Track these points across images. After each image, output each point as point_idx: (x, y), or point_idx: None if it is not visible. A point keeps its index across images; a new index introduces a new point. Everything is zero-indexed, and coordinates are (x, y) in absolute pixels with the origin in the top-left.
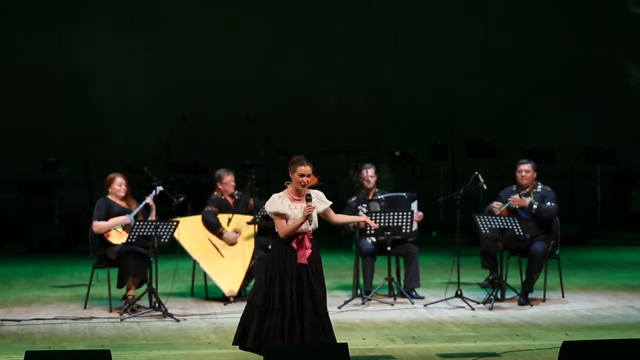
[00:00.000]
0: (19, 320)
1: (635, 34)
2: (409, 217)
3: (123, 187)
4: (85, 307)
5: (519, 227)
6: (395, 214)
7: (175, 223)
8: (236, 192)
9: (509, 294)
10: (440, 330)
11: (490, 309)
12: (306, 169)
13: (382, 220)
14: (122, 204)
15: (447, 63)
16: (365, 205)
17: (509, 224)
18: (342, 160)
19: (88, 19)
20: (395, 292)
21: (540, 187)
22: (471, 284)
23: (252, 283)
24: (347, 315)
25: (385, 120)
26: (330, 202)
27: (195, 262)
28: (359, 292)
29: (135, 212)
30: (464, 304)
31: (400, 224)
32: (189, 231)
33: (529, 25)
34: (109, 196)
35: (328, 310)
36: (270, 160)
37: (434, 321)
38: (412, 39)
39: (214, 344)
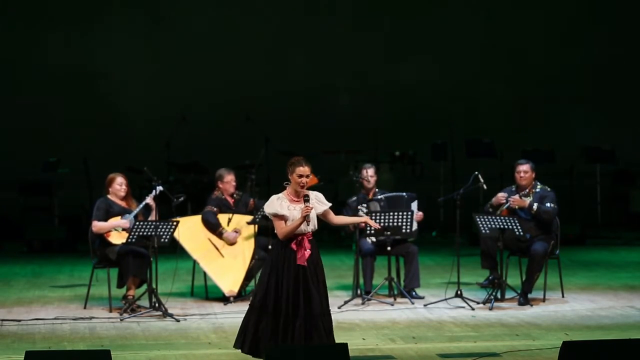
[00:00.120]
0: (19, 320)
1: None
2: (409, 217)
3: (123, 187)
4: (85, 307)
5: (519, 227)
6: (395, 214)
7: (175, 223)
8: (236, 192)
9: (509, 294)
10: (440, 330)
11: (490, 309)
12: (305, 169)
13: (382, 220)
14: (122, 203)
15: (447, 63)
16: (365, 205)
17: (509, 224)
18: (342, 160)
19: (87, 19)
20: (395, 292)
21: (539, 187)
22: (471, 284)
23: (252, 283)
24: (347, 315)
25: (385, 120)
26: (330, 204)
27: (195, 262)
28: (359, 292)
29: (135, 212)
30: (464, 304)
31: (400, 224)
32: (189, 231)
33: (529, 24)
34: (109, 196)
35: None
36: (270, 160)
37: (434, 321)
38: (413, 39)
39: (214, 344)
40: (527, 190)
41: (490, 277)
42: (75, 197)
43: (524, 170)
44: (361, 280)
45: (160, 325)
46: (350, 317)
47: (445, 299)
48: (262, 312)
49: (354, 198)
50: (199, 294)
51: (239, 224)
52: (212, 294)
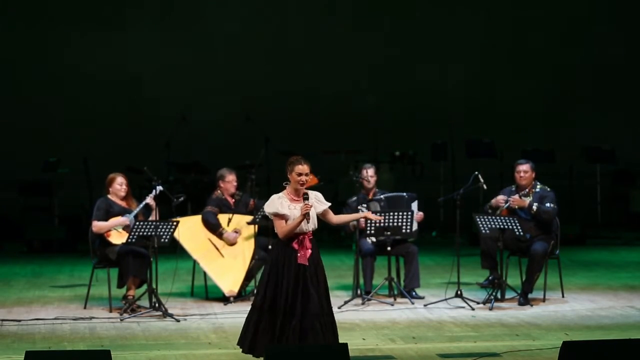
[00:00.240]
0: (19, 320)
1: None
2: (409, 217)
3: (124, 186)
4: (85, 307)
5: (519, 227)
6: (395, 214)
7: (175, 223)
8: (237, 192)
9: (509, 294)
10: (440, 330)
11: (490, 309)
12: (303, 167)
13: (382, 221)
14: (123, 203)
15: (447, 63)
16: (365, 205)
17: (509, 224)
18: (342, 160)
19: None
20: (395, 292)
21: (539, 187)
22: (471, 284)
23: (252, 283)
24: (347, 315)
25: (385, 120)
26: (329, 203)
27: (195, 262)
28: (359, 292)
29: (135, 212)
30: (464, 304)
31: (400, 224)
32: (189, 231)
33: (529, 24)
34: (110, 196)
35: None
36: (270, 160)
37: (434, 321)
38: (412, 39)
39: (214, 344)
40: (527, 190)
41: (490, 277)
42: (75, 197)
43: (524, 170)
44: (361, 280)
45: (160, 325)
46: (350, 317)
47: (445, 299)
48: (263, 312)
49: (354, 198)
50: (199, 294)
51: (239, 224)
52: (212, 294)
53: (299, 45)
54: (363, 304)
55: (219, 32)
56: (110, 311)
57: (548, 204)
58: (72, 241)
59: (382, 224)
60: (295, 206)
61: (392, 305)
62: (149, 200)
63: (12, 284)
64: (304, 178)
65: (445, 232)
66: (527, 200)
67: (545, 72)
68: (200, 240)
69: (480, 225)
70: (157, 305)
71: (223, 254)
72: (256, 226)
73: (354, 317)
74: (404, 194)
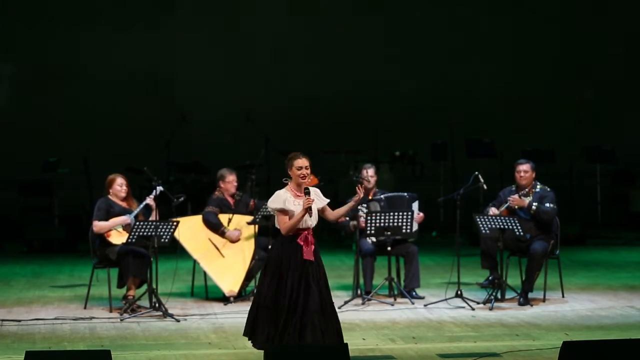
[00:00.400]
0: (19, 320)
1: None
2: (409, 217)
3: (124, 187)
4: (85, 307)
5: (519, 227)
6: (396, 214)
7: (175, 223)
8: (237, 192)
9: (509, 294)
10: (440, 330)
11: (490, 309)
12: (302, 161)
13: (382, 220)
14: (123, 204)
15: (447, 63)
16: (365, 205)
17: (509, 224)
18: (342, 160)
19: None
20: (395, 292)
21: (539, 187)
22: (471, 284)
23: (252, 283)
24: (347, 315)
25: (385, 120)
26: (328, 200)
27: (195, 262)
28: (359, 292)
29: (135, 212)
30: (464, 304)
31: (400, 224)
32: (189, 231)
33: (529, 24)
34: (110, 197)
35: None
36: (270, 160)
37: (434, 321)
38: (412, 38)
39: (214, 344)
40: (527, 190)
41: (490, 277)
42: (75, 197)
43: (524, 170)
44: (361, 280)
45: (160, 325)
46: (351, 317)
47: (445, 299)
48: (266, 308)
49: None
50: (199, 294)
51: (239, 224)
52: (212, 294)
53: (299, 45)
54: (363, 304)
55: (219, 32)
56: (110, 311)
57: (548, 204)
58: (72, 241)
59: (382, 224)
60: (299, 202)
61: (392, 305)
62: (149, 200)
63: (12, 284)
64: (304, 171)
65: (445, 232)
66: (527, 200)
67: (545, 72)
68: (201, 240)
69: (480, 225)
70: (157, 305)
71: (223, 254)
72: (256, 226)
73: (354, 317)
74: (405, 194)
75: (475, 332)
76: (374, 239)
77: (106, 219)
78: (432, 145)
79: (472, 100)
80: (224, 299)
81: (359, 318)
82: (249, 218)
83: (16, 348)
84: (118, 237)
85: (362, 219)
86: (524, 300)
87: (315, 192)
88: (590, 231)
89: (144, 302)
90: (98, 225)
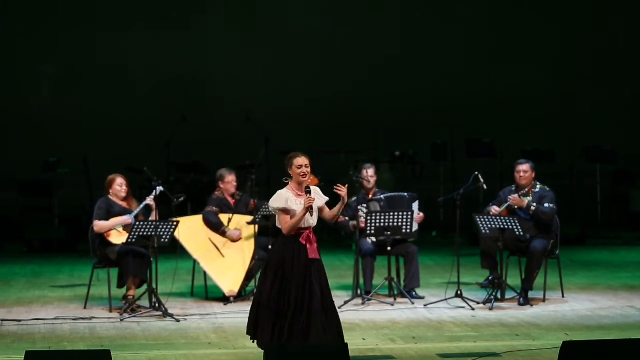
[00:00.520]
0: (19, 320)
1: None
2: (409, 217)
3: (124, 187)
4: (85, 307)
5: (519, 227)
6: (396, 214)
7: (175, 223)
8: (237, 192)
9: (509, 294)
10: (440, 330)
11: (490, 309)
12: (302, 159)
13: (382, 220)
14: (123, 204)
15: (447, 63)
16: (365, 205)
17: (509, 224)
18: (342, 160)
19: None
20: (395, 292)
21: (539, 187)
22: (471, 284)
23: (252, 283)
24: (347, 315)
25: (385, 120)
26: (327, 198)
27: (195, 262)
28: (359, 292)
29: (135, 212)
30: (464, 304)
31: (400, 224)
32: (189, 231)
33: (529, 24)
34: (110, 197)
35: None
36: (270, 160)
37: (434, 321)
38: (412, 38)
39: (214, 344)
40: (527, 190)
41: (490, 277)
42: (75, 197)
43: (524, 170)
44: (361, 280)
45: (160, 325)
46: (351, 317)
47: (445, 299)
48: (269, 308)
49: (354, 198)
50: (199, 294)
51: (239, 224)
52: (212, 294)
53: (299, 45)
54: (363, 304)
55: (219, 32)
56: (110, 311)
57: (547, 205)
58: (72, 241)
59: (382, 224)
60: (300, 201)
61: (392, 305)
62: (149, 201)
63: (12, 284)
64: (304, 170)
65: (445, 232)
66: (526, 200)
67: (545, 72)
68: (201, 240)
69: (480, 225)
70: (157, 305)
71: (223, 254)
72: (256, 226)
73: (354, 317)
74: (405, 194)
75: (475, 332)
76: (374, 239)
77: (106, 219)
78: (432, 145)
79: (472, 100)
80: (224, 299)
81: (359, 318)
82: (249, 218)
83: (16, 348)
84: (118, 237)
85: (362, 219)
86: (524, 300)
87: (315, 191)
88: (590, 231)
89: (144, 302)
90: (99, 225)
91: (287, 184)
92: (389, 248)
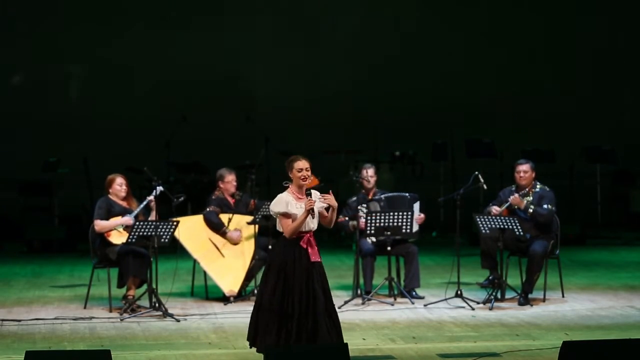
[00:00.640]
0: (19, 320)
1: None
2: (409, 217)
3: (124, 187)
4: (85, 307)
5: (519, 227)
6: (395, 214)
7: (175, 223)
8: (237, 192)
9: (509, 294)
10: (440, 330)
11: (490, 309)
12: (303, 163)
13: (382, 221)
14: (123, 203)
15: (447, 63)
16: (365, 205)
17: (509, 224)
18: (342, 160)
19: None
20: (395, 292)
21: (539, 186)
22: (471, 284)
23: (252, 283)
24: (347, 315)
25: (385, 120)
26: (336, 204)
27: (195, 262)
28: (359, 292)
29: (136, 212)
30: (464, 304)
31: (400, 224)
32: (189, 231)
33: (529, 24)
34: (110, 196)
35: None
36: (270, 160)
37: (434, 321)
38: (412, 39)
39: (214, 344)
40: (527, 190)
41: (490, 277)
42: (75, 197)
43: (524, 170)
44: (361, 280)
45: (160, 325)
46: (351, 317)
47: (445, 299)
48: (272, 312)
49: (354, 198)
50: (199, 294)
51: (239, 224)
52: (212, 294)
53: (299, 45)
54: (363, 304)
55: (219, 32)
56: (110, 311)
57: (545, 206)
58: (72, 241)
59: (382, 224)
60: (301, 205)
61: (392, 305)
62: (151, 198)
63: (12, 284)
64: (304, 173)
65: (445, 232)
66: (525, 201)
67: (545, 72)
68: (201, 240)
69: (480, 225)
70: (157, 305)
71: (223, 253)
72: (256, 226)
73: (354, 317)
74: (406, 194)
75: (475, 332)
76: (374, 239)
77: (107, 219)
78: (432, 145)
79: (472, 100)
80: (224, 299)
81: (359, 318)
82: (249, 218)
83: (16, 348)
84: (118, 237)
85: (362, 220)
86: (524, 300)
87: (316, 194)
88: (590, 231)
89: (144, 302)
90: (99, 225)
91: (287, 187)
92: (389, 248)
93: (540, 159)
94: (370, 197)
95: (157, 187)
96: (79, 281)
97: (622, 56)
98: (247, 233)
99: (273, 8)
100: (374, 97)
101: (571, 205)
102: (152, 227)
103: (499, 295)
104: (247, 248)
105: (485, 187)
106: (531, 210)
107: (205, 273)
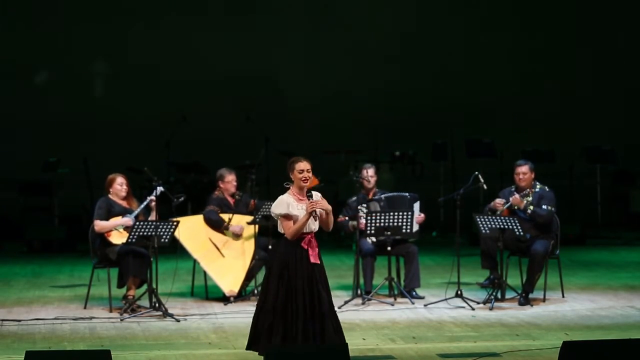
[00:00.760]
0: (19, 320)
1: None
2: (409, 217)
3: (124, 187)
4: (85, 307)
5: (519, 227)
6: (395, 214)
7: (175, 223)
8: (237, 192)
9: (509, 294)
10: (440, 330)
11: (490, 309)
12: (304, 164)
13: (382, 221)
14: (124, 203)
15: (447, 63)
16: (365, 205)
17: (509, 224)
18: (342, 160)
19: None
20: (396, 292)
21: (538, 187)
22: (471, 284)
23: (252, 283)
24: (347, 315)
25: (385, 120)
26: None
27: (195, 262)
28: (359, 292)
29: (136, 212)
30: (464, 304)
31: (400, 224)
32: (190, 231)
33: (529, 24)
34: (110, 196)
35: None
36: (270, 160)
37: (434, 321)
38: (412, 39)
39: (214, 344)
40: (528, 190)
41: (490, 277)
42: (75, 197)
43: (523, 171)
44: (361, 280)
45: (160, 325)
46: (351, 317)
47: (446, 299)
48: (276, 314)
49: (354, 198)
50: (199, 294)
51: (239, 224)
52: (212, 294)
53: (299, 45)
54: (363, 304)
55: (219, 31)
56: (110, 311)
57: (544, 206)
58: (72, 241)
59: (382, 224)
60: (302, 206)
61: (392, 305)
62: (152, 197)
63: (12, 284)
64: (306, 174)
65: (445, 232)
66: (525, 201)
67: (544, 72)
68: (201, 240)
69: (480, 225)
70: (157, 305)
71: (223, 253)
72: (256, 226)
73: (354, 317)
74: (407, 194)
75: (475, 332)
76: (374, 239)
77: (107, 219)
78: (432, 145)
79: (472, 100)
80: (224, 299)
81: (359, 318)
82: (249, 218)
83: (16, 348)
84: (118, 237)
85: (362, 220)
86: (524, 300)
87: (316, 195)
88: (590, 231)
89: (144, 302)
90: (99, 225)
91: (288, 188)
92: (389, 248)
93: (540, 159)
94: (370, 197)
95: (157, 187)
96: (79, 281)
97: (622, 56)
98: (247, 233)
99: (272, 8)
100: (374, 97)
101: (571, 205)
102: (152, 227)
103: (499, 295)
104: (247, 248)
105: (485, 187)
106: (530, 211)
107: (205, 273)
